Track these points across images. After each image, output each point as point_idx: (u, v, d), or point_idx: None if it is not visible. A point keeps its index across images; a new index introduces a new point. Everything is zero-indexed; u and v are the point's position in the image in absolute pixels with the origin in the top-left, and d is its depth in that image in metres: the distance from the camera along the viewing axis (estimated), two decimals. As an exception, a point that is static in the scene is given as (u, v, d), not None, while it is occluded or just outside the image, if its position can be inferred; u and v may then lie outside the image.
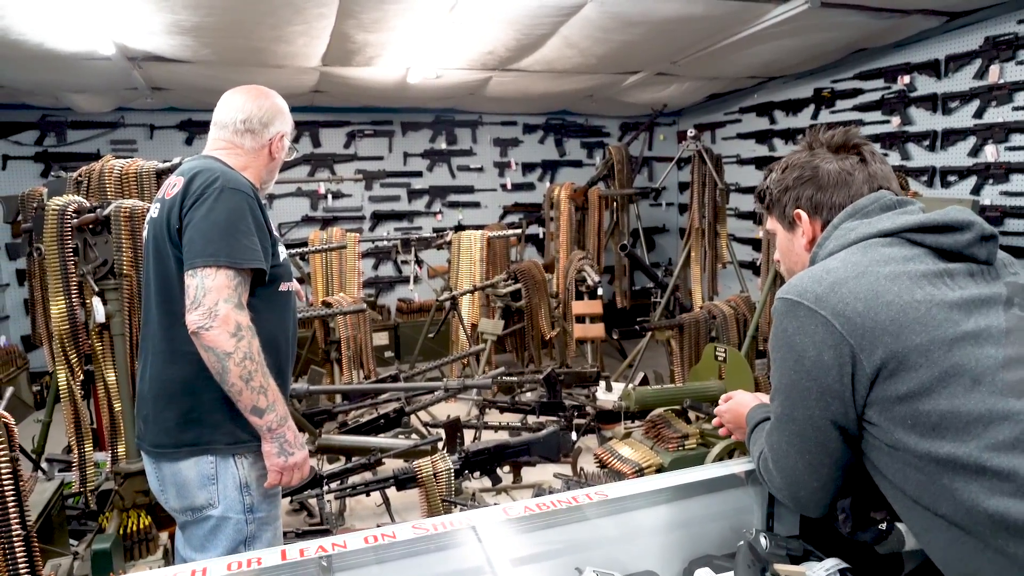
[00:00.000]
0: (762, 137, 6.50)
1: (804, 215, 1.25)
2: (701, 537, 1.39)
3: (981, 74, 4.40)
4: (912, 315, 0.99)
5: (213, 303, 1.58)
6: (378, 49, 4.41)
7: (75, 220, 2.65)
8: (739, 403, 1.51)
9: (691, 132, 5.17)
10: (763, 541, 1.24)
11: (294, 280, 1.92)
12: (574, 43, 4.44)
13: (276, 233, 1.84)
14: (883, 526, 1.11)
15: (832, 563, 1.20)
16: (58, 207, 2.63)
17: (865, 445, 1.07)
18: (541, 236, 7.27)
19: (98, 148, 6.16)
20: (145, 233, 1.82)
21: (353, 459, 3.19)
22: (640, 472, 3.24)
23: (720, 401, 1.58)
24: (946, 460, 0.94)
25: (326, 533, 1.90)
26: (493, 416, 4.38)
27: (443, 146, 7.24)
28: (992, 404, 0.93)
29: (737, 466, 1.41)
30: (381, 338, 6.29)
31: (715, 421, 1.59)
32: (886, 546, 1.13)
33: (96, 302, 2.68)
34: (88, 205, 2.71)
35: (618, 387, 5.09)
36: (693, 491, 1.38)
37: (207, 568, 1.02)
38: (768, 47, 4.80)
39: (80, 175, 3.05)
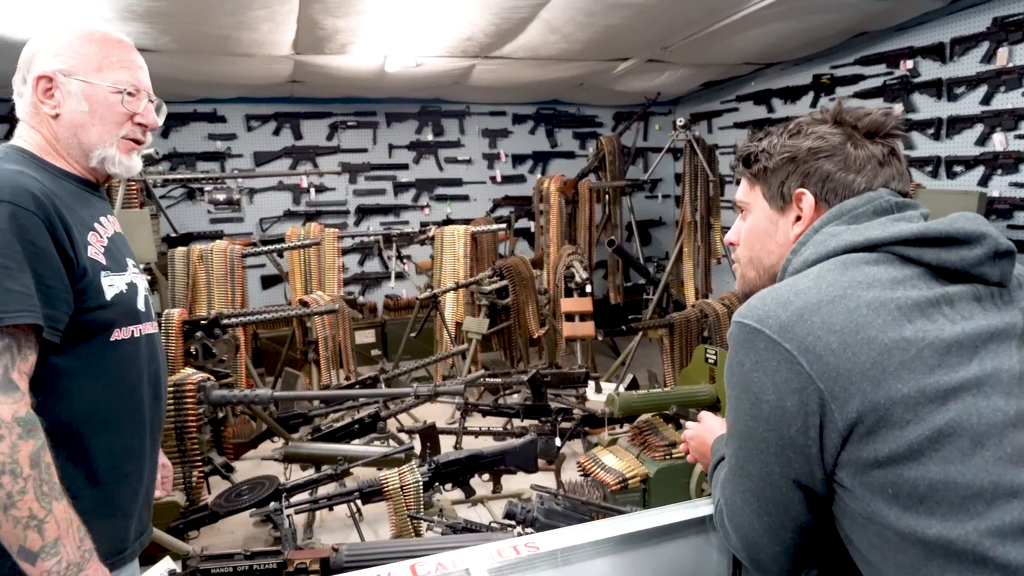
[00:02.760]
0: (759, 126, 6.22)
1: (809, 197, 1.00)
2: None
3: (988, 58, 4.15)
4: (898, 357, 0.77)
5: None
6: (350, 36, 4.19)
7: None
8: (706, 429, 1.30)
9: (680, 121, 4.94)
10: (724, 604, 1.04)
11: (151, 322, 1.40)
12: (557, 28, 4.22)
13: (98, 250, 1.26)
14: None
15: (808, 630, 1.00)
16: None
17: (836, 509, 0.85)
18: (532, 230, 7.06)
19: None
20: None
21: (323, 468, 3.01)
22: (624, 483, 3.06)
23: (689, 425, 1.39)
24: (936, 543, 0.73)
25: (277, 554, 1.71)
26: (476, 420, 4.18)
27: (430, 137, 7.00)
28: (998, 475, 0.72)
29: (701, 508, 1.21)
30: (368, 336, 6.14)
31: (682, 447, 1.39)
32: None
33: None
34: None
35: (608, 387, 4.90)
36: (649, 538, 1.18)
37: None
38: (763, 31, 4.56)
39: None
